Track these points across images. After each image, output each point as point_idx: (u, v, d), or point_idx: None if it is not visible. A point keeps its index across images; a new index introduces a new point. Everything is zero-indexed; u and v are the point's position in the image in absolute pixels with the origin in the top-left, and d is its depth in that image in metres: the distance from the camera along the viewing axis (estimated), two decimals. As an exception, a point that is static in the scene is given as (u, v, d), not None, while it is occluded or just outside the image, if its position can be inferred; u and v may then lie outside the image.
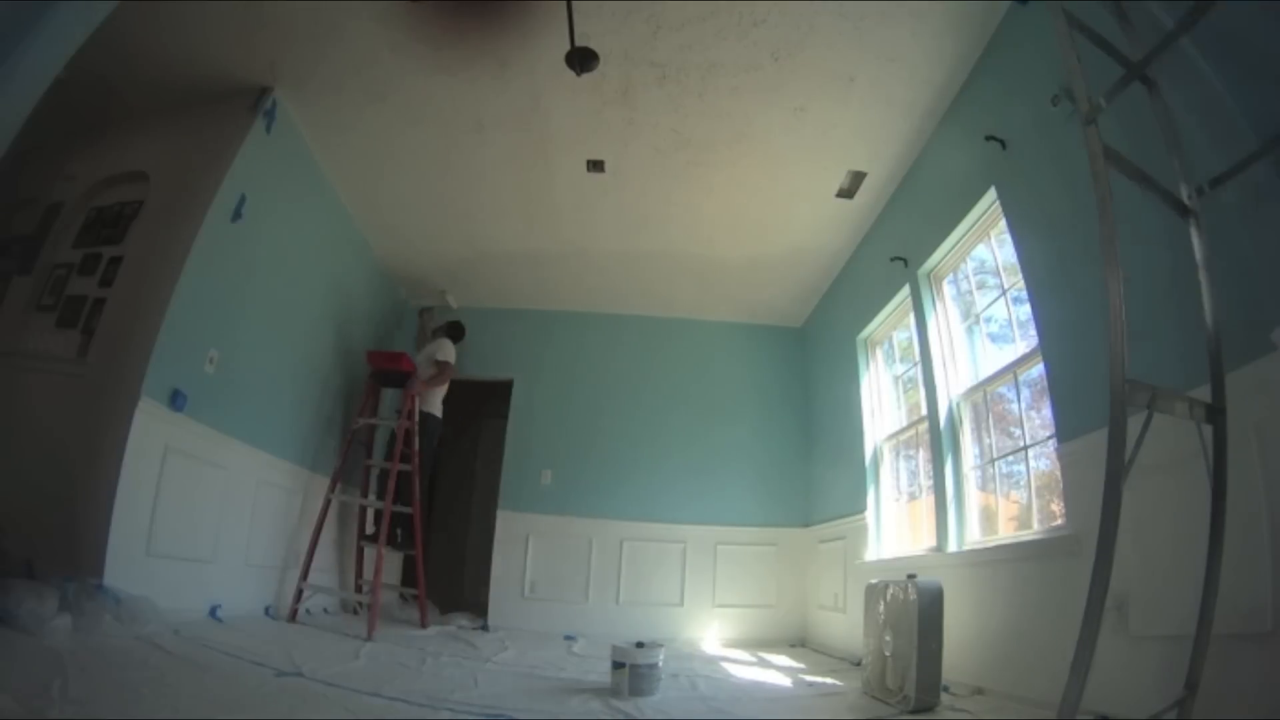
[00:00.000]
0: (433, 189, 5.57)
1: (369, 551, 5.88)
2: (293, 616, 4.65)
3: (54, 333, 4.02)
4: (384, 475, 5.76)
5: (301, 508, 5.30)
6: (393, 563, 6.50)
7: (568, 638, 5.74)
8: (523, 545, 6.70)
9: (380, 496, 5.63)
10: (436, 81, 4.38)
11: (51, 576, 2.98)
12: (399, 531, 5.86)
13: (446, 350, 6.28)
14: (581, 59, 3.98)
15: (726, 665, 4.76)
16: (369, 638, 4.30)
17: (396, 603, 6.21)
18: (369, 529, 5.99)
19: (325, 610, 4.92)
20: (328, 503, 5.32)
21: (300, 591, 4.84)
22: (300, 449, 5.24)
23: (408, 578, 6.39)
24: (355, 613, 5.64)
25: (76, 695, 2.06)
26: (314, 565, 5.12)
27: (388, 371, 6.08)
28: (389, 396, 6.62)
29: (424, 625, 5.43)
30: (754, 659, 5.20)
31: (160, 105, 4.52)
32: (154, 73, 4.28)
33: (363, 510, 6.07)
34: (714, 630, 6.39)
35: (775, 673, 4.53)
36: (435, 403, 6.27)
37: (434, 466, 6.44)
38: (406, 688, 2.93)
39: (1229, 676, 2.12)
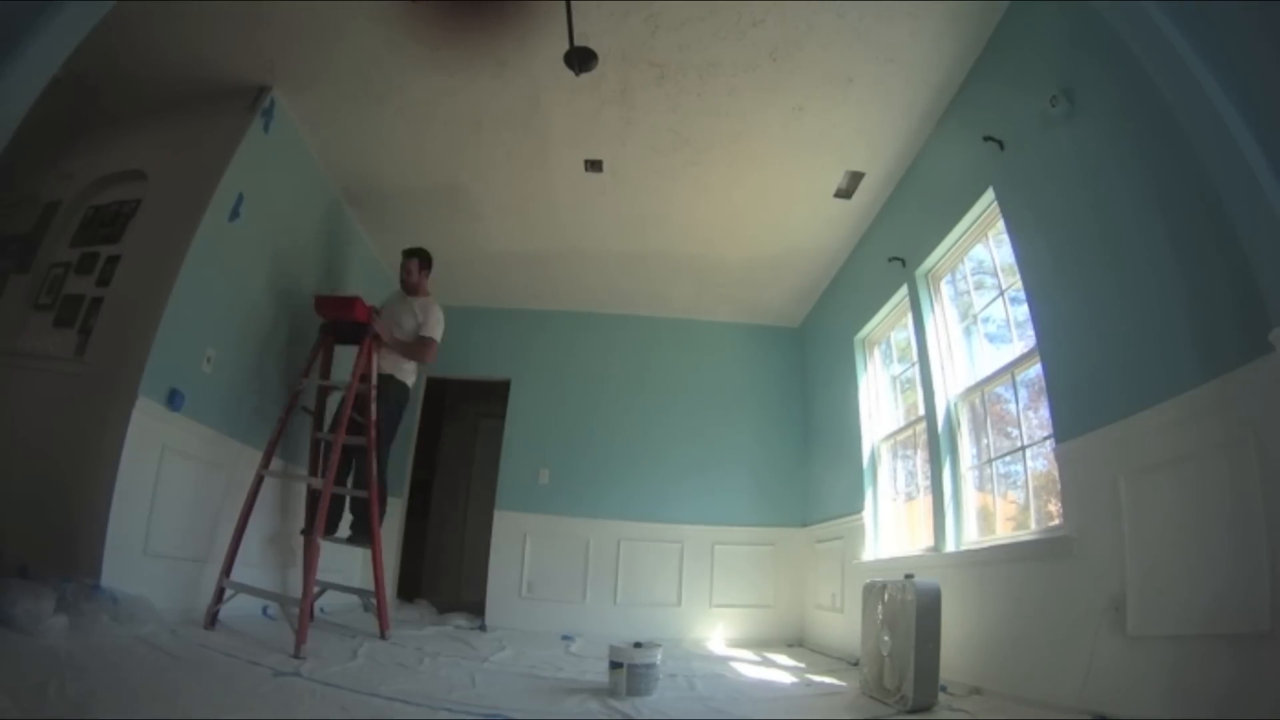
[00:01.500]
0: (431, 188, 5.56)
1: (329, 547, 4.62)
2: (210, 622, 3.76)
3: (51, 332, 4.02)
4: (328, 449, 4.59)
5: (296, 507, 5.27)
6: (355, 560, 5.67)
7: (565, 638, 5.74)
8: (520, 545, 6.70)
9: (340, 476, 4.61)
10: (435, 81, 4.38)
11: (48, 576, 2.97)
12: (352, 520, 4.99)
13: (436, 323, 5.22)
14: (581, 59, 3.98)
15: (725, 664, 4.76)
16: (296, 653, 3.40)
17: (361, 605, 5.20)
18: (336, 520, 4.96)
19: (265, 612, 4.53)
20: (259, 480, 4.26)
21: (221, 591, 3.90)
22: (299, 450, 5.22)
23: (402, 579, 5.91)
24: (312, 619, 4.13)
25: (74, 695, 2.06)
26: (254, 561, 4.48)
27: (340, 322, 4.83)
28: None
29: (384, 635, 4.50)
30: (753, 658, 5.20)
31: (158, 104, 4.52)
32: (152, 71, 4.28)
33: (311, 495, 4.90)
34: (712, 630, 6.39)
35: (773, 672, 4.54)
36: (407, 367, 5.28)
37: (390, 443, 5.19)
38: (404, 688, 2.93)
39: (1228, 676, 2.13)
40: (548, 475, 7.00)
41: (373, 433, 4.68)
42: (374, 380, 4.81)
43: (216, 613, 3.83)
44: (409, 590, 7.28)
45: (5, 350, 4.03)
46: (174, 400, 3.80)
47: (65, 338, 3.96)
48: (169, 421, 3.79)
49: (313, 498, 4.80)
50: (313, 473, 4.82)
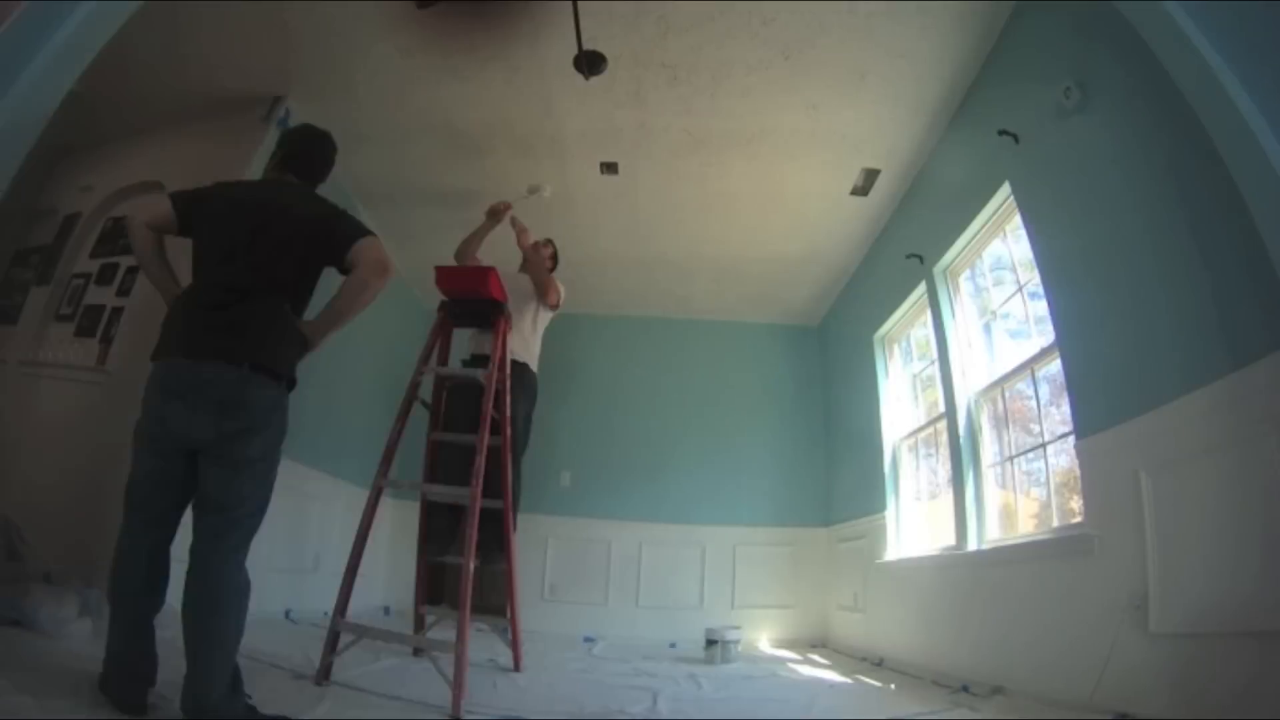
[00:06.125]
0: (447, 194, 5.58)
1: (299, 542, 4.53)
2: (327, 674, 2.95)
3: (73, 341, 4.07)
4: (457, 453, 3.79)
5: (319, 511, 5.31)
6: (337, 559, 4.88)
7: (587, 640, 5.73)
8: (542, 547, 6.70)
9: (454, 481, 3.54)
10: (448, 87, 4.40)
11: (71, 582, 3.01)
12: (485, 534, 3.82)
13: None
14: (590, 62, 3.98)
15: (763, 665, 4.75)
16: (456, 712, 2.68)
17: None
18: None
19: (325, 614, 4.45)
20: (378, 493, 3.45)
21: (335, 638, 3.04)
22: (318, 452, 5.25)
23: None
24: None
25: (96, 698, 2.08)
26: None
27: (464, 299, 3.93)
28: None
29: (517, 667, 4.00)
30: (780, 656, 5.19)
31: (175, 115, 4.57)
32: (168, 84, 4.33)
33: (425, 508, 4.16)
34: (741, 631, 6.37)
35: (805, 669, 4.53)
36: (536, 351, 4.53)
37: (525, 446, 4.46)
38: (424, 691, 2.93)
39: (1252, 674, 2.09)
40: (569, 477, 7.01)
41: (507, 430, 3.88)
42: (508, 369, 3.97)
43: (330, 665, 3.01)
44: (432, 594, 7.28)
45: (28, 360, 4.10)
46: (194, 407, 3.82)
47: (87, 347, 4.02)
48: (189, 429, 3.81)
49: (433, 511, 4.13)
50: (429, 480, 3.93)
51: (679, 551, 6.72)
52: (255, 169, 4.25)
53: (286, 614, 4.47)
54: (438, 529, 4.08)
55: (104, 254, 4.34)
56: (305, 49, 4.14)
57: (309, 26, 3.95)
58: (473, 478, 3.31)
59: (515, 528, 4.07)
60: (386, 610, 6.04)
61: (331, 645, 3.02)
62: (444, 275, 3.91)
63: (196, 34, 3.95)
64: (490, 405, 3.57)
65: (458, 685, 2.75)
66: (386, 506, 6.61)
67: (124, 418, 3.59)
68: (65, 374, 3.98)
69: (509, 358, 4.03)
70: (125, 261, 4.20)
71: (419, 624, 4.26)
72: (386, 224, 5.99)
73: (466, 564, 3.18)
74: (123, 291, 4.10)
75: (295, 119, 4.55)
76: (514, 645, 4.07)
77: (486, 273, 3.84)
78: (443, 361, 4.07)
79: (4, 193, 2.14)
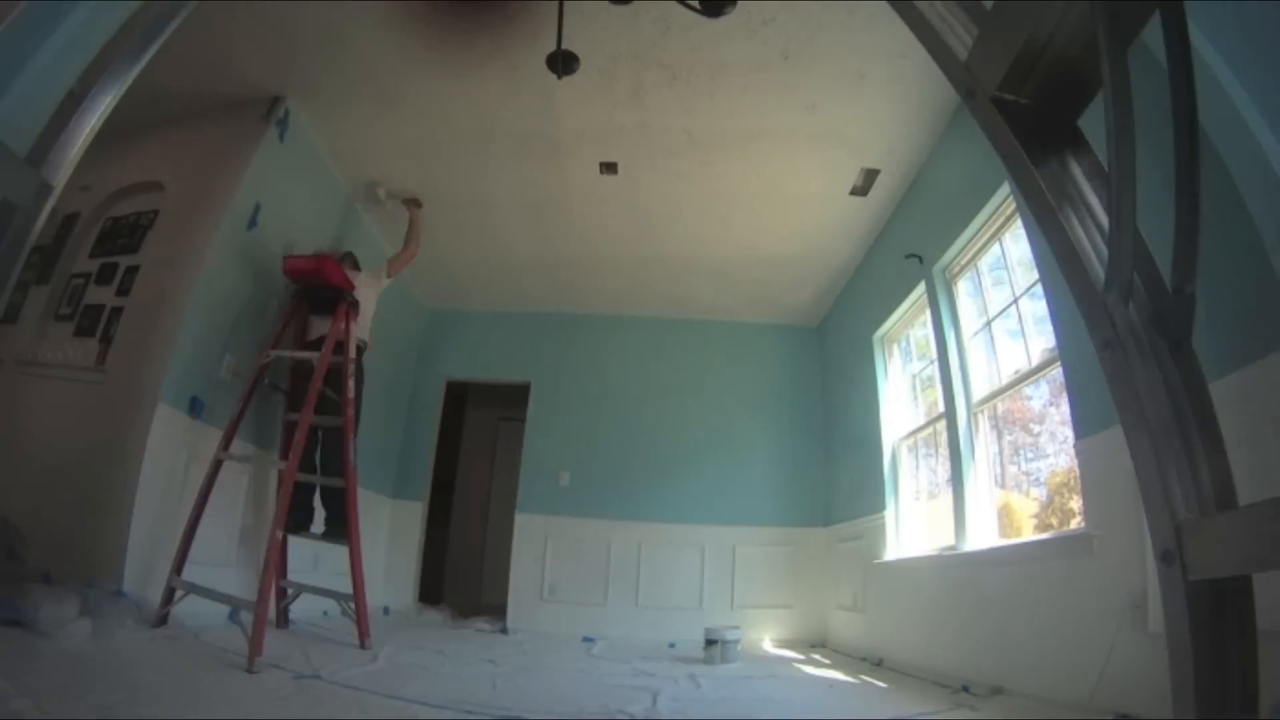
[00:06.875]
0: (446, 194, 5.57)
1: (299, 543, 4.47)
2: (162, 621, 3.33)
3: (72, 341, 4.08)
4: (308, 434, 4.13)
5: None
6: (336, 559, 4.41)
7: (587, 640, 5.74)
8: (541, 547, 6.71)
9: (305, 461, 4.11)
10: (448, 87, 4.39)
11: (71, 582, 3.01)
12: (326, 515, 4.48)
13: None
14: (564, 61, 3.94)
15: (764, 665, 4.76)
16: (250, 667, 2.92)
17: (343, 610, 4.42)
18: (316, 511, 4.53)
19: (324, 614, 4.49)
20: (217, 465, 3.78)
21: (171, 592, 3.43)
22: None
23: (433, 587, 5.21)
24: (280, 625, 4.26)
25: (95, 698, 2.08)
26: (227, 560, 4.11)
27: (313, 286, 4.48)
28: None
29: (363, 644, 3.98)
30: (780, 656, 5.19)
31: (174, 116, 4.57)
32: (167, 83, 4.31)
33: (289, 486, 3.98)
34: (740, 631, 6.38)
35: (813, 671, 4.53)
36: (368, 325, 4.95)
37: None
38: (423, 690, 2.94)
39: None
40: (568, 477, 7.00)
41: (350, 410, 4.26)
42: (351, 353, 4.42)
43: (166, 614, 3.39)
44: (431, 594, 7.31)
45: (27, 360, 4.10)
46: (194, 407, 3.84)
47: (86, 347, 4.02)
48: (190, 429, 3.84)
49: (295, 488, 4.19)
50: (285, 458, 4.08)
51: (678, 551, 6.71)
52: (255, 169, 4.27)
53: (230, 616, 4.45)
54: (297, 505, 4.28)
55: (103, 254, 4.35)
56: (305, 50, 4.13)
57: (309, 26, 3.95)
58: (290, 453, 3.88)
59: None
60: (386, 610, 6.05)
61: (167, 598, 3.44)
62: (288, 262, 4.46)
63: (196, 34, 3.94)
64: (319, 385, 4.08)
65: (255, 641, 3.08)
66: (386, 507, 6.68)
67: (123, 416, 3.62)
68: (65, 374, 3.98)
69: (354, 342, 4.53)
70: (124, 261, 4.21)
71: (279, 596, 4.38)
72: (385, 224, 6.00)
73: (274, 533, 3.67)
74: (122, 291, 4.11)
75: (295, 119, 4.57)
76: (359, 621, 4.12)
77: (323, 261, 4.45)
78: (300, 345, 4.52)
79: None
